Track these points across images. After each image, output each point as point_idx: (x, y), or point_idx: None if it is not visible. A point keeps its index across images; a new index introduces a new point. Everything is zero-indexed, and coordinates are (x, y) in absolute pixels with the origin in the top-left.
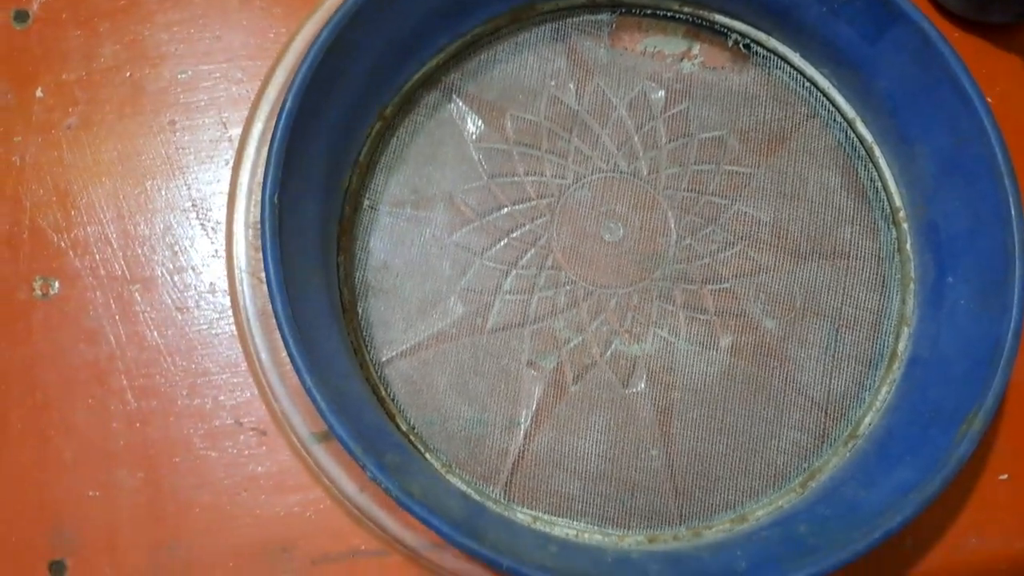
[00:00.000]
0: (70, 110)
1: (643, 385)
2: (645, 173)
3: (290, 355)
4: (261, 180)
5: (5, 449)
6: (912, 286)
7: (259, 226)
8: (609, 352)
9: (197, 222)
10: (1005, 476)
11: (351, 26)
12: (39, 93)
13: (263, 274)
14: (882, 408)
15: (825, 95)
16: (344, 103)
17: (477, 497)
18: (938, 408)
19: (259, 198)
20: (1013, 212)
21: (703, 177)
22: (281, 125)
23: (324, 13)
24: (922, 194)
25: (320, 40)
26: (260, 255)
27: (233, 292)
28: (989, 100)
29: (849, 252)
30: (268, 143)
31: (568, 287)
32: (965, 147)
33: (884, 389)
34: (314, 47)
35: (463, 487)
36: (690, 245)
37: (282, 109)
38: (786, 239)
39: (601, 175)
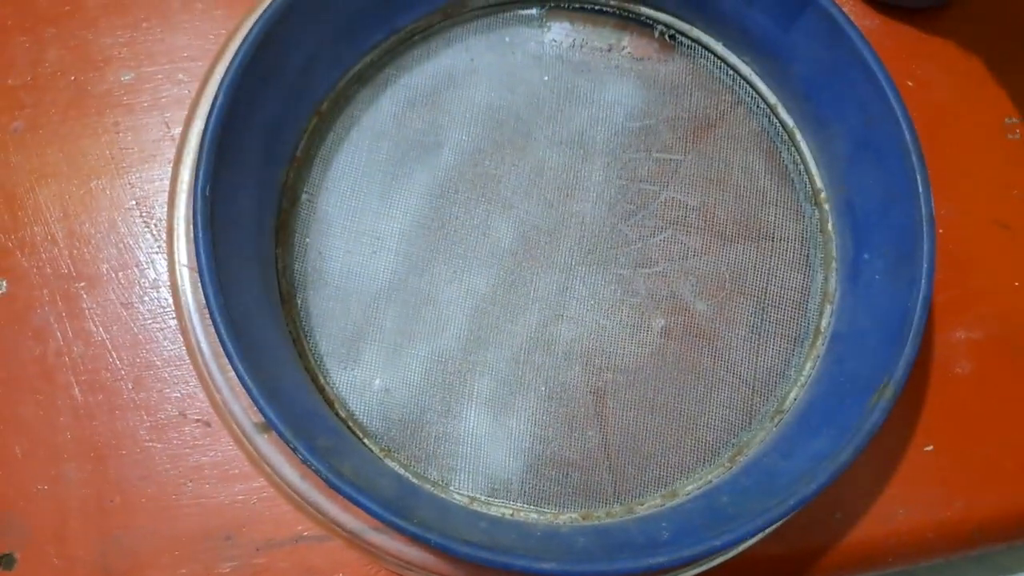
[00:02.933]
0: (16, 114)
1: (578, 368)
2: (579, 162)
3: (221, 341)
4: None
5: None
6: (833, 264)
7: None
8: (544, 336)
9: (141, 220)
10: (930, 448)
11: (282, 22)
12: None
13: None
14: (806, 383)
15: (748, 82)
16: (278, 98)
17: (414, 480)
18: (854, 379)
19: None
20: (920, 187)
21: (634, 164)
22: (213, 119)
23: (261, 13)
24: (839, 174)
25: (251, 36)
26: None
27: (175, 287)
28: (910, 84)
29: (774, 234)
30: None
31: (504, 272)
32: (875, 126)
33: (808, 364)
34: (245, 42)
35: (400, 470)
36: (622, 231)
37: (214, 103)
38: (714, 223)
39: (535, 164)
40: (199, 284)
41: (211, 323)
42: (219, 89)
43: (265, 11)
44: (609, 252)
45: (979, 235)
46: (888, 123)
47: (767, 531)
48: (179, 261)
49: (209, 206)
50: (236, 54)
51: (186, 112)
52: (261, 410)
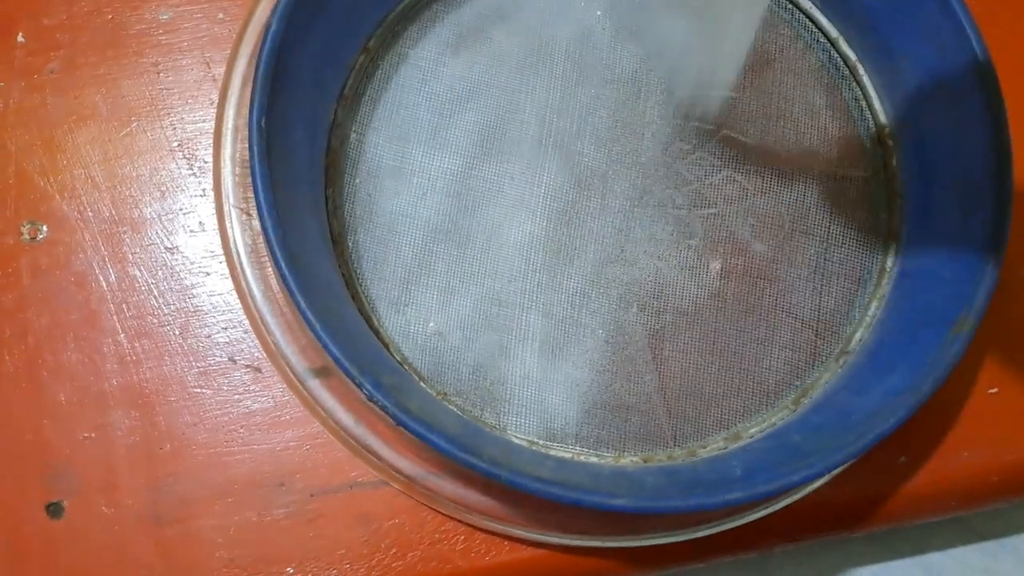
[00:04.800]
0: (51, 55)
1: (635, 310)
2: (632, 100)
3: (281, 275)
4: (247, 115)
5: None
6: (899, 201)
7: (247, 152)
8: (601, 279)
9: (184, 161)
10: (995, 390)
11: None
12: (20, 38)
13: (253, 210)
14: (872, 323)
15: (807, 15)
16: (328, 32)
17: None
18: (929, 312)
19: (245, 133)
20: (998, 116)
21: (690, 102)
22: (267, 48)
23: None
24: (906, 108)
25: None
26: (248, 193)
27: (223, 230)
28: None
29: (835, 172)
30: (251, 80)
31: (557, 213)
32: (947, 55)
33: (874, 304)
34: None
35: (459, 413)
36: (679, 171)
37: (267, 31)
38: (773, 161)
39: (587, 102)
40: (248, 226)
41: (263, 267)
42: (271, 17)
43: None
44: (665, 193)
45: None
46: (961, 50)
47: (838, 470)
48: (227, 203)
49: (264, 139)
50: None
51: (228, 52)
52: (324, 345)
